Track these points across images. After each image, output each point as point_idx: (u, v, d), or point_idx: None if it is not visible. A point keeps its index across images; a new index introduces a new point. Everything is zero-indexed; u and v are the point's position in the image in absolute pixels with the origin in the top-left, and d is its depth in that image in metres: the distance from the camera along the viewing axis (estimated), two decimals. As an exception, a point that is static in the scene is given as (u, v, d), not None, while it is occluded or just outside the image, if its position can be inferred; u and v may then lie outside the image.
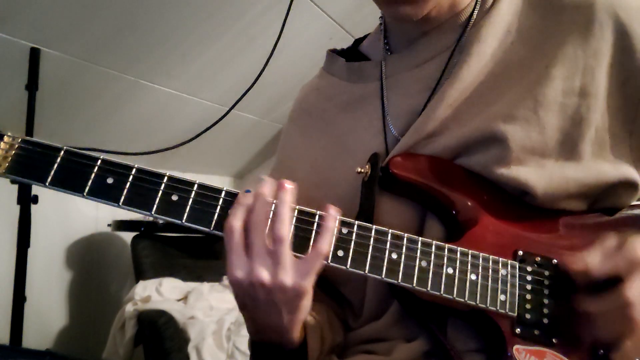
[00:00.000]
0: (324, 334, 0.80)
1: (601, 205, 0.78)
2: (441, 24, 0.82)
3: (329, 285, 0.85)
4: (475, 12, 0.82)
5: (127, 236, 2.69)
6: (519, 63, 0.78)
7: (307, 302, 0.68)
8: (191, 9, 2.15)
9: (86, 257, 2.71)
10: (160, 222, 2.65)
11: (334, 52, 0.95)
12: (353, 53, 0.94)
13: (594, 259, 0.68)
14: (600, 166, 0.76)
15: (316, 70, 0.98)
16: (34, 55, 1.96)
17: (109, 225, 2.67)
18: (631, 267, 0.65)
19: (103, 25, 2.04)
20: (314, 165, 0.87)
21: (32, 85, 1.95)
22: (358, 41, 0.97)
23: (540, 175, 0.74)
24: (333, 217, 0.68)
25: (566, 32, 0.78)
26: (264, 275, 0.64)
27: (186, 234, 2.84)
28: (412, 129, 0.79)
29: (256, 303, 0.67)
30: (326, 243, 0.67)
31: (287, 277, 0.64)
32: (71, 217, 2.64)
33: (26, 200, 1.95)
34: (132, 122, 2.62)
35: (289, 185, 0.68)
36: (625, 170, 0.77)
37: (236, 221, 0.66)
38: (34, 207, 1.98)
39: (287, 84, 2.70)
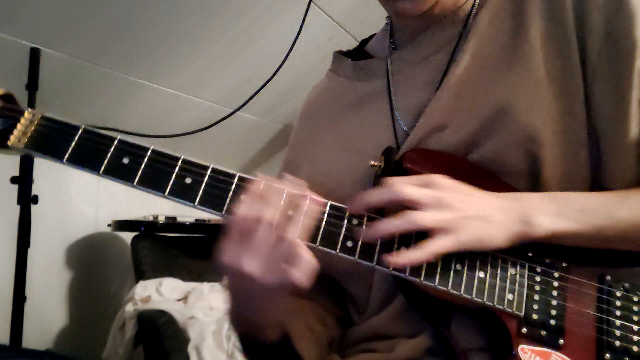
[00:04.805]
0: (312, 326, 0.81)
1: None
2: (444, 17, 0.83)
3: (325, 283, 0.84)
4: (477, 1, 0.83)
5: (127, 236, 2.68)
6: (507, 44, 0.79)
7: (280, 305, 0.69)
8: (191, 9, 2.15)
9: (86, 257, 2.70)
10: (161, 222, 2.65)
11: (340, 53, 0.95)
12: (359, 53, 0.94)
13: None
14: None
15: (316, 71, 0.99)
16: (34, 55, 1.96)
17: (109, 225, 2.66)
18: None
19: (103, 25, 2.04)
20: (322, 164, 0.87)
21: (32, 85, 1.94)
22: (364, 42, 0.97)
23: (545, 120, 0.74)
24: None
25: (534, 11, 0.78)
26: (250, 266, 0.64)
27: (186, 234, 2.83)
28: (420, 122, 0.79)
29: (235, 290, 0.70)
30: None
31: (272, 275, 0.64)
32: (71, 217, 2.63)
33: (26, 200, 1.95)
34: (132, 122, 2.61)
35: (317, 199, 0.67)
36: None
37: (244, 209, 0.66)
38: (34, 207, 1.97)
39: (287, 85, 2.69)
